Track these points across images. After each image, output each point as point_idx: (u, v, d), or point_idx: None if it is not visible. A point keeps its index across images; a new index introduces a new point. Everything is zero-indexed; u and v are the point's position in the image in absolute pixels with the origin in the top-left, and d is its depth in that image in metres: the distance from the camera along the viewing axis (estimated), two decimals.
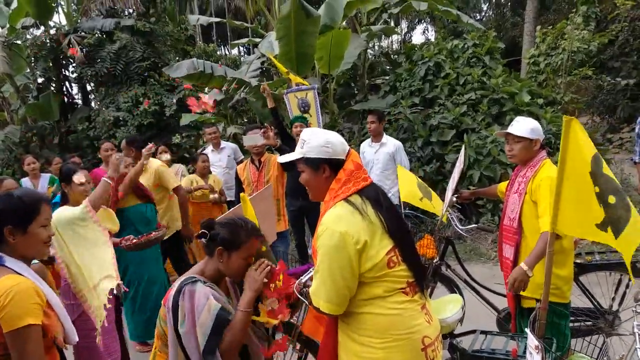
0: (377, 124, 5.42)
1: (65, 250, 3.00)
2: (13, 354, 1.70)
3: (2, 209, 1.84)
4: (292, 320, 2.71)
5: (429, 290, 3.77)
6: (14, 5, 10.52)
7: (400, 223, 2.00)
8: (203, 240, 2.08)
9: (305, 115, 6.71)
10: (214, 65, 7.19)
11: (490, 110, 7.33)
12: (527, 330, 2.09)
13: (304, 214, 5.41)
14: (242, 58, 16.57)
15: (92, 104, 11.84)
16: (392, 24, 13.46)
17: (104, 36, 10.61)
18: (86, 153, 10.22)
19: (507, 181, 3.26)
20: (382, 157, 5.48)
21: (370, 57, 11.12)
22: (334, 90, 9.26)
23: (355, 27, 9.79)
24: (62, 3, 11.68)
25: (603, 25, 12.59)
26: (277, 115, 5.43)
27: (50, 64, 10.70)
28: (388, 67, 11.19)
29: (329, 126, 8.59)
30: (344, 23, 8.55)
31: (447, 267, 3.82)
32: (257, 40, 10.36)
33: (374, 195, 1.94)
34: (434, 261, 3.62)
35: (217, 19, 10.15)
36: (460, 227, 3.54)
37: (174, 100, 9.91)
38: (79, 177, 3.25)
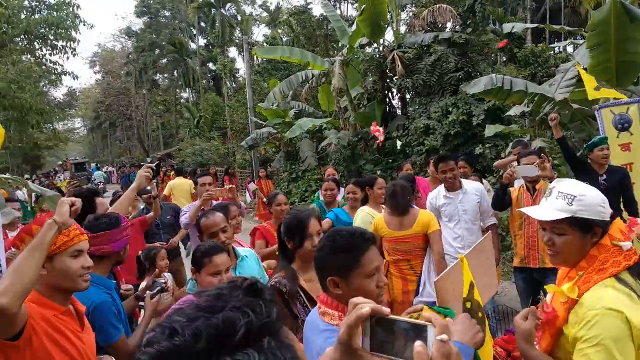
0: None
1: None
2: None
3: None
4: None
5: None
6: (354, 28, 12.32)
7: None
8: None
9: (624, 133, 5.83)
10: (514, 80, 6.74)
11: None
12: None
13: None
14: (575, 52, 14.96)
15: (409, 113, 12.83)
16: None
17: (423, 49, 11.31)
18: (399, 158, 11.18)
19: None
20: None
21: None
22: None
23: None
24: (393, 23, 13.00)
25: None
26: (565, 145, 4.78)
27: (378, 77, 12.11)
28: None
29: None
30: None
31: None
32: (581, 42, 9.20)
33: None
34: None
35: (533, 25, 9.46)
36: None
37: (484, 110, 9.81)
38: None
